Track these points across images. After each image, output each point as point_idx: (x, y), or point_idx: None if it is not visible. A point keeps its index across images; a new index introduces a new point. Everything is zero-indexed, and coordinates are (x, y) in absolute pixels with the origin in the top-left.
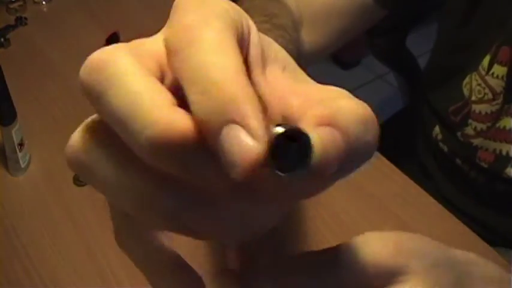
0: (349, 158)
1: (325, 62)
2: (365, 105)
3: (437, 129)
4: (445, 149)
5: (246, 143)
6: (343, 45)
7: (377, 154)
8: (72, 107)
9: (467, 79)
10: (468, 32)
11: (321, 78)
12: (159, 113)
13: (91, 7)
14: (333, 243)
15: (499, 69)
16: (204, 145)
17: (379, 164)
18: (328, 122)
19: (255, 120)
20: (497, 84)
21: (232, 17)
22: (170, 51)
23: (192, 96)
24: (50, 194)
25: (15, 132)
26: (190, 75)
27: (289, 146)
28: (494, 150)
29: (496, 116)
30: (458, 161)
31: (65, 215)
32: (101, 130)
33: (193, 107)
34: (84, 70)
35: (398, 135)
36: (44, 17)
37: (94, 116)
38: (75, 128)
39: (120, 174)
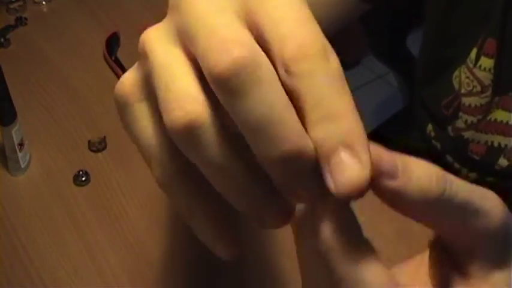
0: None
1: None
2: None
3: (430, 126)
4: (438, 146)
5: (357, 168)
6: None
7: None
8: (72, 107)
9: (456, 72)
10: (453, 23)
11: None
12: (298, 132)
13: (91, 7)
14: None
15: (486, 62)
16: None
17: None
18: None
19: (366, 152)
20: (485, 77)
21: None
22: (292, 75)
23: (313, 118)
24: (50, 194)
25: (15, 132)
26: (313, 101)
27: None
28: (486, 142)
29: (486, 108)
30: (449, 158)
31: (65, 215)
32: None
33: (314, 127)
34: (229, 65)
35: (398, 135)
36: (44, 17)
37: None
38: (75, 128)
39: (232, 160)
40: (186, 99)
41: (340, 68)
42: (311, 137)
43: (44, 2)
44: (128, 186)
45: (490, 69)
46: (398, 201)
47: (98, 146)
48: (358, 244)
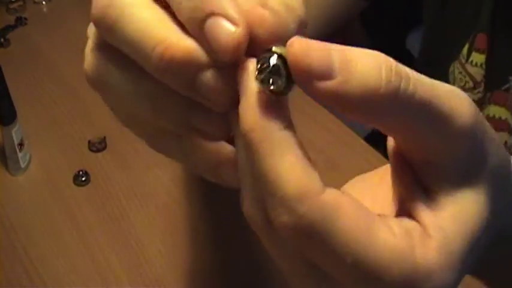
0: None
1: None
2: None
3: None
4: None
5: (228, 27)
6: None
7: (376, 153)
8: (72, 107)
9: (451, 67)
10: (446, 19)
11: None
12: (165, 34)
13: (91, 7)
14: None
15: (477, 57)
16: (208, 66)
17: (373, 160)
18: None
19: (233, 10)
20: (477, 72)
21: None
22: None
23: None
24: (50, 194)
25: (15, 132)
26: None
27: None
28: None
29: (479, 104)
30: None
31: (65, 215)
32: (115, 50)
33: (176, 10)
34: (96, 7)
35: None
36: (44, 17)
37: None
38: (75, 128)
39: (137, 83)
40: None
41: None
42: (181, 19)
43: (44, 2)
44: (128, 186)
45: (481, 65)
46: (340, 103)
47: (98, 146)
48: (280, 133)
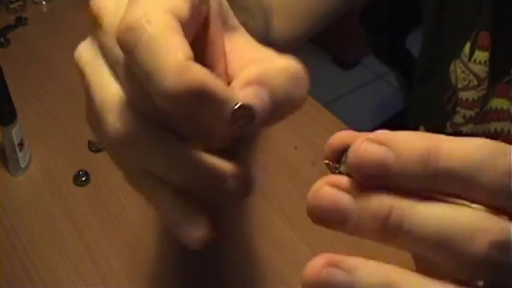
0: (277, 107)
1: (325, 62)
2: (294, 62)
3: (421, 128)
4: None
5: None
6: (323, 29)
7: None
8: (72, 107)
9: (452, 66)
10: (445, 19)
11: (321, 78)
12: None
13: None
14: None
15: (481, 55)
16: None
17: None
18: (257, 81)
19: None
20: (481, 70)
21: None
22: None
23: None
24: (50, 194)
25: (15, 132)
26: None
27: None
28: (484, 131)
29: (483, 101)
30: None
31: (65, 215)
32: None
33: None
34: (119, 29)
35: None
36: (44, 17)
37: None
38: (75, 128)
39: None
40: (118, 110)
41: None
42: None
43: (44, 2)
44: (128, 186)
45: (485, 62)
46: None
47: (98, 146)
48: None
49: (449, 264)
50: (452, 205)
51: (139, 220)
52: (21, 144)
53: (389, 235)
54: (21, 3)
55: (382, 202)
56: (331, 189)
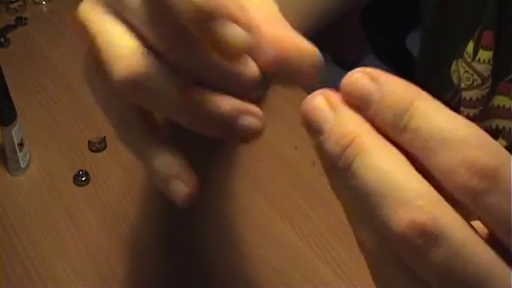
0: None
1: (325, 62)
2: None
3: None
4: None
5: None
6: (323, 30)
7: None
8: (72, 107)
9: (453, 66)
10: (445, 18)
11: (321, 78)
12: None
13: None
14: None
15: (485, 54)
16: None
17: None
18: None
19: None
20: (485, 69)
21: None
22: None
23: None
24: (50, 194)
25: (15, 132)
26: None
27: None
28: (485, 128)
29: (487, 98)
30: None
31: (65, 215)
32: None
33: None
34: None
35: None
36: (44, 17)
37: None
38: (75, 128)
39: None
40: (126, 54)
41: None
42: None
43: (44, 2)
44: (128, 186)
45: (489, 61)
46: None
47: (98, 146)
48: None
49: (368, 228)
50: (404, 168)
51: (139, 220)
52: (21, 144)
53: (341, 167)
54: (21, 3)
55: (354, 128)
56: (321, 99)
